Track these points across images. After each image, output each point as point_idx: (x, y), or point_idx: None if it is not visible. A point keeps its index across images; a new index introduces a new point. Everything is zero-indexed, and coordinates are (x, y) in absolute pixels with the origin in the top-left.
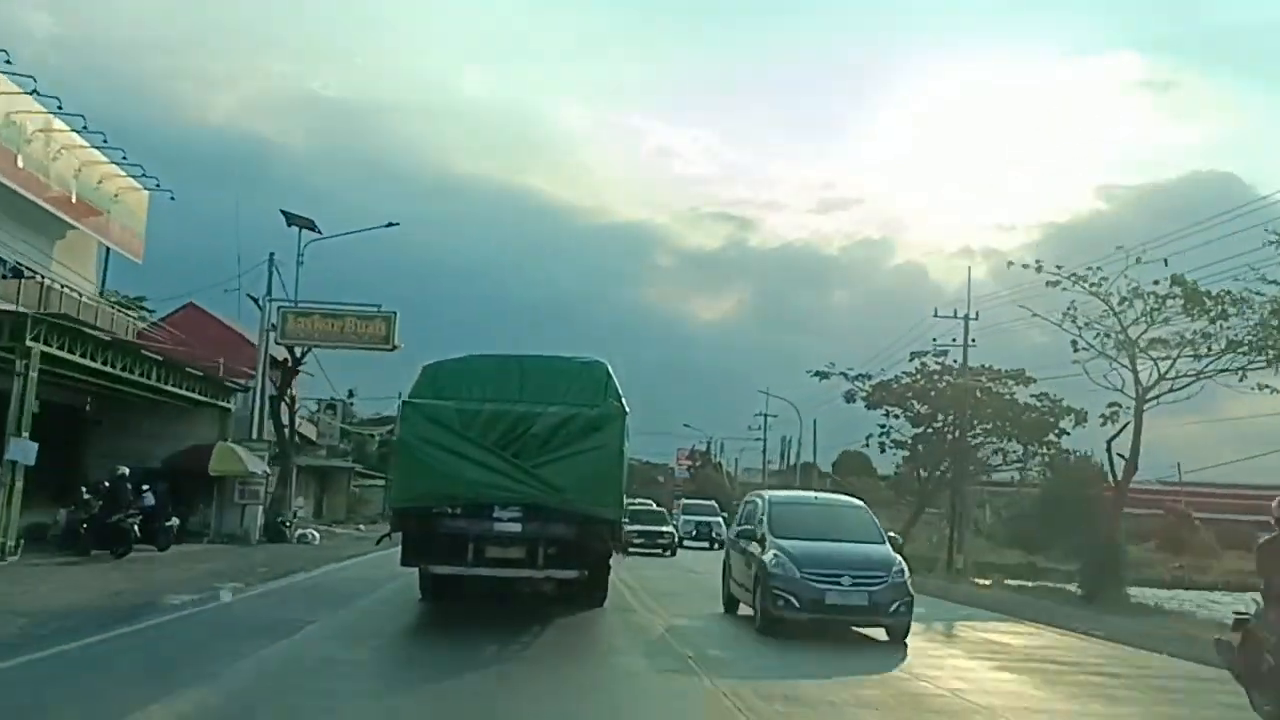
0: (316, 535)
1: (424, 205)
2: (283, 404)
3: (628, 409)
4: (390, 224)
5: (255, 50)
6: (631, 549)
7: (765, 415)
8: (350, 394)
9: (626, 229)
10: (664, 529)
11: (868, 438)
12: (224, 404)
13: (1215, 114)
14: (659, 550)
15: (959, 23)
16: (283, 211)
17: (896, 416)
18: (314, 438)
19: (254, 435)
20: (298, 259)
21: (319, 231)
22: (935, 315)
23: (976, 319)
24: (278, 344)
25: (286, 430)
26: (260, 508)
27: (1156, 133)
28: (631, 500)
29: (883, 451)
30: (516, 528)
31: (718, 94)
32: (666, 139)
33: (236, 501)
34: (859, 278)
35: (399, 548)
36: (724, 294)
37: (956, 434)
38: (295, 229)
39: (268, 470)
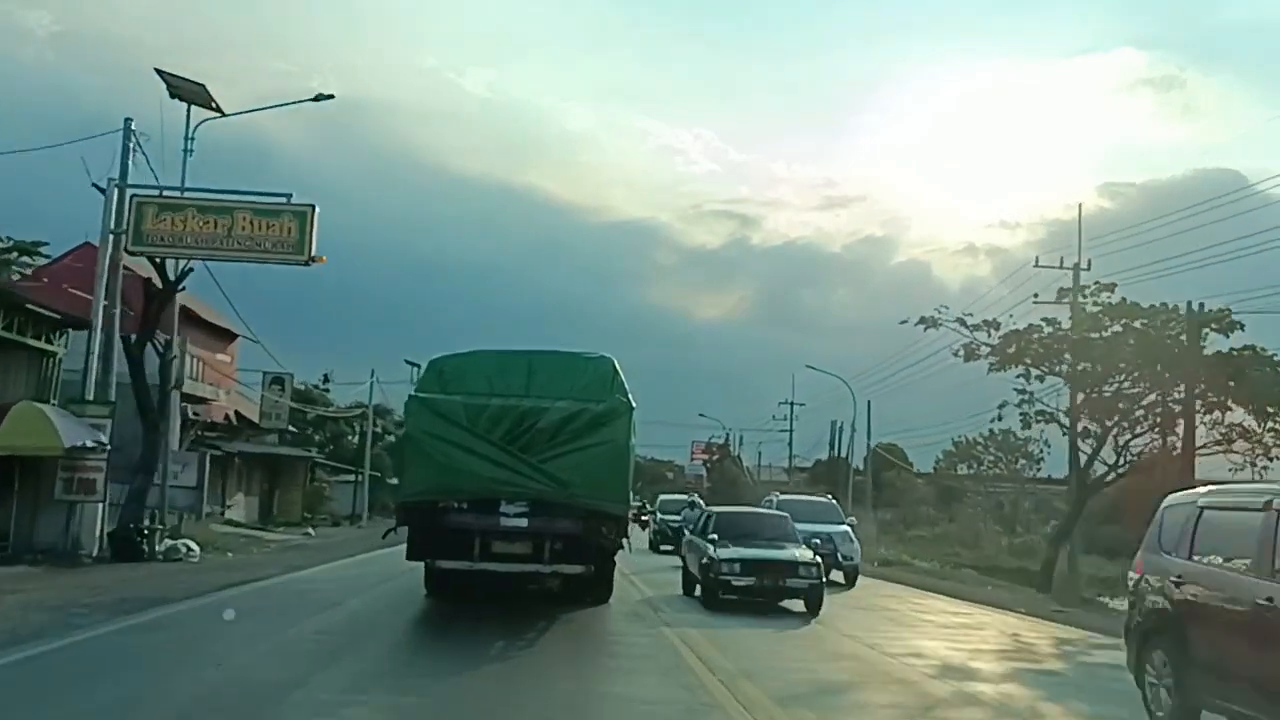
0: (196, 549)
1: (426, 205)
2: (149, 347)
3: (634, 404)
4: (320, 96)
5: (255, 49)
6: (726, 596)
7: (791, 404)
8: (325, 379)
9: (629, 227)
10: (798, 557)
11: (1000, 406)
12: (41, 344)
13: (1218, 111)
14: (780, 599)
15: (961, 21)
16: (158, 70)
17: (1039, 379)
18: (257, 419)
19: (89, 395)
20: (185, 145)
21: (218, 109)
22: (1036, 265)
23: (1089, 269)
24: (128, 251)
25: (157, 390)
26: (102, 506)
27: (1159, 130)
28: (687, 500)
29: (1026, 427)
30: (523, 522)
31: (720, 92)
32: (669, 137)
33: (60, 497)
34: (861, 275)
35: (394, 547)
36: (726, 292)
37: (1159, 399)
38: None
39: (107, 445)
